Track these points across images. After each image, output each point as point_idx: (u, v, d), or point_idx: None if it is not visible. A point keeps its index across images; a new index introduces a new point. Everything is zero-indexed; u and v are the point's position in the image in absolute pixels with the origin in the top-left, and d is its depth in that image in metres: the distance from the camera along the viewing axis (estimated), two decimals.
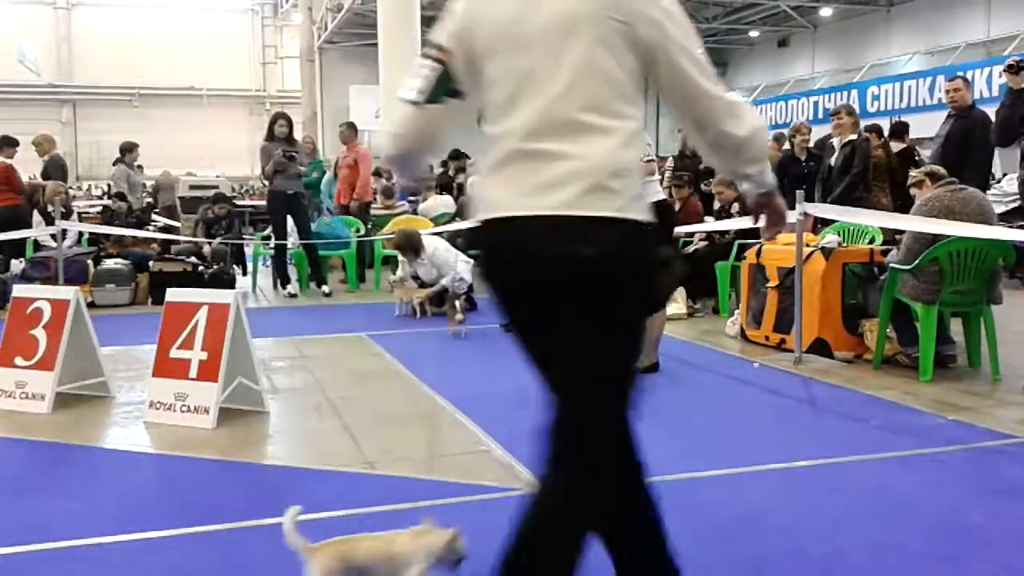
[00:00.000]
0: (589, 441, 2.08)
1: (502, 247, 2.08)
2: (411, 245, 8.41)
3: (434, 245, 8.52)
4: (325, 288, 10.23)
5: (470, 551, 2.73)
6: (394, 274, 9.20)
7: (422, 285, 8.50)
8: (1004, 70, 5.49)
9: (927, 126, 7.94)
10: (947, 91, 7.71)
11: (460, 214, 11.48)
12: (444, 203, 11.82)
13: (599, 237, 1.96)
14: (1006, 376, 5.55)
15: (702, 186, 10.08)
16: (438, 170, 14.41)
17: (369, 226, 11.46)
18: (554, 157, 1.97)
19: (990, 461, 4.08)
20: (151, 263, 9.82)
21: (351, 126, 11.93)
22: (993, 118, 7.27)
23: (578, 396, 2.09)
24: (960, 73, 8.92)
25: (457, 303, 7.48)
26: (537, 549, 2.11)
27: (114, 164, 12.54)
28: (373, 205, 12.22)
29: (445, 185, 13.68)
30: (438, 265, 8.35)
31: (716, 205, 9.48)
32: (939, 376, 5.54)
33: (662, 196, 6.01)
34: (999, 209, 9.83)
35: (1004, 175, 10.90)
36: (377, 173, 13.21)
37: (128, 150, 12.56)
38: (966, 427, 4.54)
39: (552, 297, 2.01)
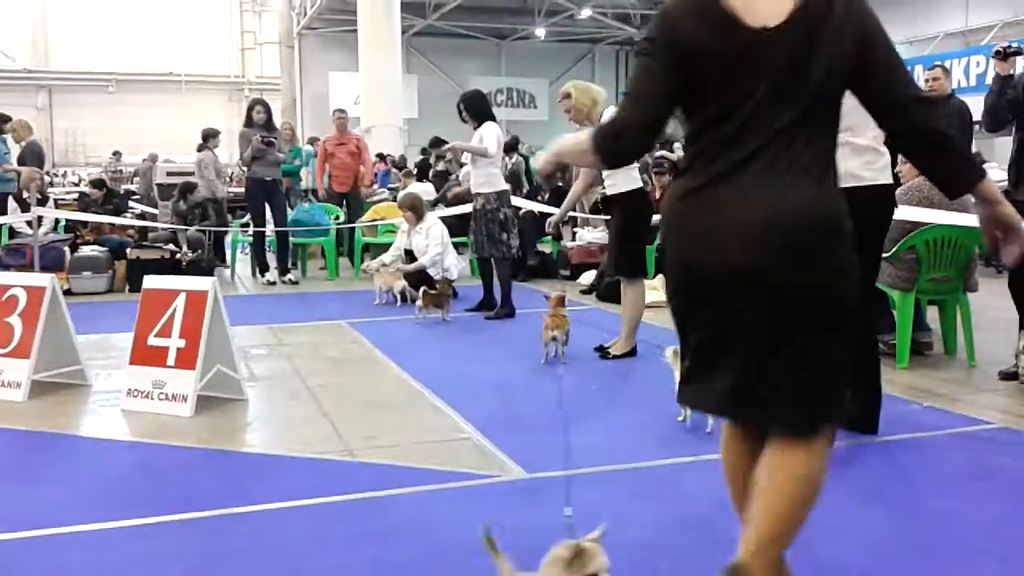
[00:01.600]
0: None
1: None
2: (416, 207, 8.58)
3: (435, 221, 8.57)
4: (290, 276, 10.18)
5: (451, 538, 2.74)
6: (371, 259, 9.18)
7: (411, 260, 8.50)
8: (992, 56, 5.52)
9: None
10: (927, 80, 7.74)
11: (442, 200, 11.44)
12: (423, 190, 11.78)
13: None
14: (981, 363, 5.60)
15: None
16: (418, 157, 14.37)
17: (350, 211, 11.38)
18: None
19: (965, 447, 4.13)
20: (128, 250, 9.73)
21: (345, 112, 11.87)
22: (975, 106, 7.30)
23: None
24: (939, 62, 8.97)
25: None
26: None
27: (198, 151, 12.32)
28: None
29: (423, 172, 13.64)
30: (430, 240, 8.37)
31: None
32: (915, 363, 5.59)
33: (639, 183, 6.02)
34: None
35: (982, 163, 10.99)
36: None
37: (212, 135, 12.32)
38: (942, 413, 4.59)
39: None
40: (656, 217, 8.28)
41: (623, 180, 5.85)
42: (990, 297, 6.30)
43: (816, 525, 3.18)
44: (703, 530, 3.09)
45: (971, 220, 5.54)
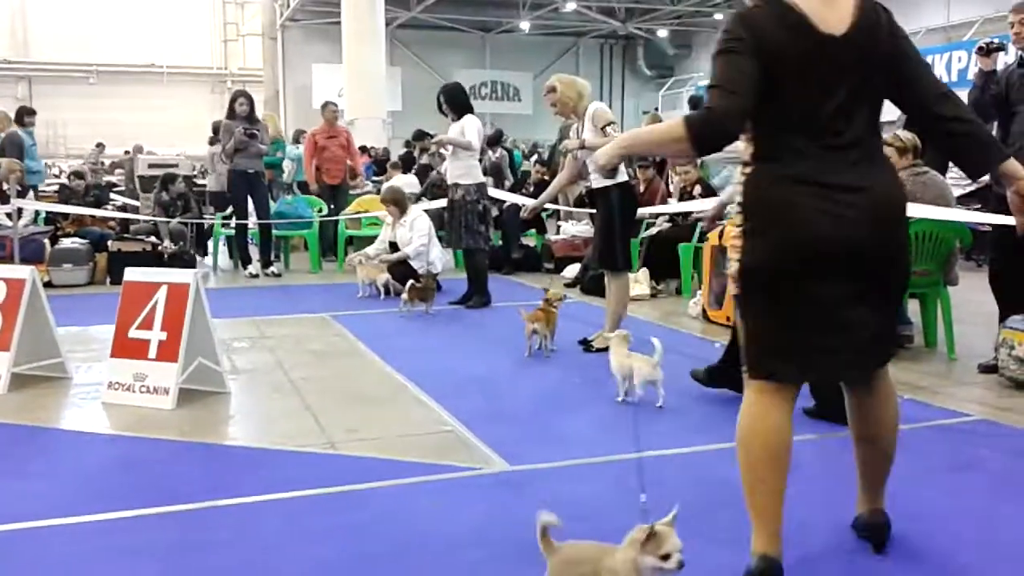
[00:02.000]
0: None
1: None
2: (398, 201, 8.60)
3: (419, 213, 8.59)
4: (273, 269, 10.14)
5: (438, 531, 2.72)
6: (355, 252, 9.17)
7: (394, 251, 8.49)
8: (975, 52, 5.56)
9: (889, 110, 7.94)
10: None
11: (426, 194, 11.41)
12: (408, 182, 11.76)
13: None
14: (961, 356, 5.65)
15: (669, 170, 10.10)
16: (403, 150, 14.34)
17: (331, 206, 11.33)
18: None
19: (945, 439, 4.16)
20: (109, 242, 9.67)
21: (337, 105, 11.87)
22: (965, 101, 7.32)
23: None
24: None
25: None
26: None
27: (209, 144, 12.18)
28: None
29: (408, 164, 13.62)
30: (415, 233, 8.37)
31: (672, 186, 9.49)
32: (896, 356, 5.60)
33: (625, 177, 6.02)
34: (957, 192, 9.97)
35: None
36: None
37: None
38: (922, 406, 4.62)
39: None
40: (642, 210, 8.32)
41: (615, 173, 5.83)
42: (971, 291, 6.35)
43: (797, 518, 3.20)
44: (680, 521, 3.09)
45: (952, 215, 5.59)
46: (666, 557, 2.25)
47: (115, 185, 16.49)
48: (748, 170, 2.63)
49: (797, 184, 2.51)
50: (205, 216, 11.78)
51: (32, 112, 11.54)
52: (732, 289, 2.72)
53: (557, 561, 2.44)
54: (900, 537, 2.95)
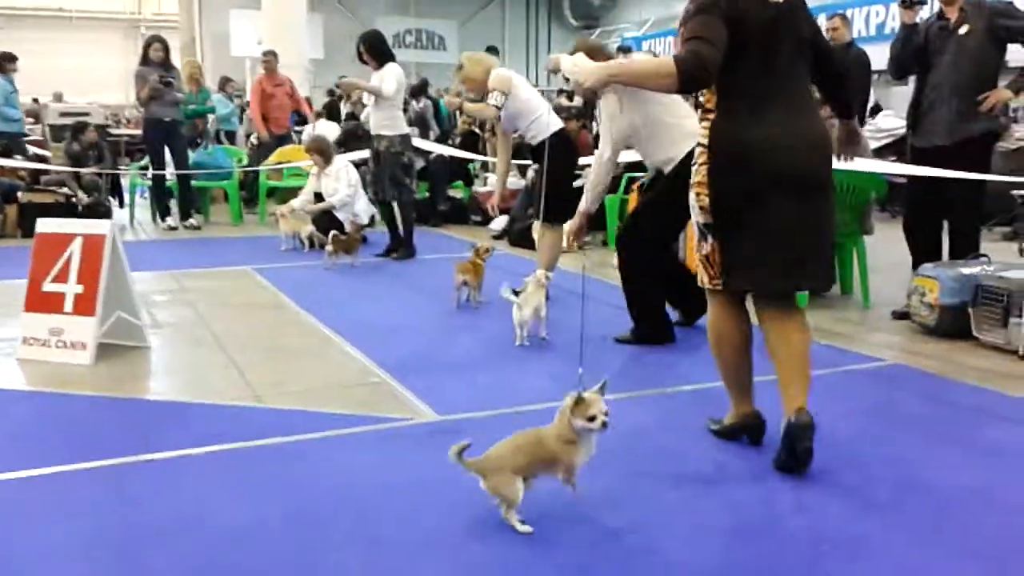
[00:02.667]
0: None
1: None
2: (323, 150, 8.44)
3: (345, 163, 8.44)
4: (192, 221, 9.92)
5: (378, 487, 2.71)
6: (277, 204, 9.01)
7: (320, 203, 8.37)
8: (899, 5, 5.64)
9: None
10: (826, 29, 7.89)
11: (344, 142, 11.24)
12: (333, 130, 11.57)
13: None
14: (876, 303, 5.83)
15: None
16: (325, 98, 14.10)
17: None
18: None
19: (859, 383, 4.31)
20: (20, 194, 9.31)
21: (274, 55, 11.60)
22: (875, 55, 7.43)
23: None
24: (839, 11, 9.14)
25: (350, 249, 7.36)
26: None
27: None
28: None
29: (332, 112, 13.41)
30: (340, 183, 8.24)
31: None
32: (813, 304, 5.77)
33: (561, 124, 6.03)
34: (873, 145, 10.23)
35: (879, 112, 11.32)
36: None
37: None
38: (837, 351, 4.77)
39: None
40: (581, 160, 8.32)
41: (546, 126, 5.81)
42: (885, 241, 6.54)
43: (720, 458, 3.29)
44: (618, 462, 3.15)
45: (869, 166, 5.73)
46: (592, 419, 2.61)
47: (26, 135, 15.84)
48: (712, 116, 3.10)
49: (756, 127, 3.03)
50: (120, 167, 11.42)
51: (13, 58, 11.01)
52: (699, 218, 3.16)
53: (493, 462, 2.68)
54: (816, 473, 3.06)
